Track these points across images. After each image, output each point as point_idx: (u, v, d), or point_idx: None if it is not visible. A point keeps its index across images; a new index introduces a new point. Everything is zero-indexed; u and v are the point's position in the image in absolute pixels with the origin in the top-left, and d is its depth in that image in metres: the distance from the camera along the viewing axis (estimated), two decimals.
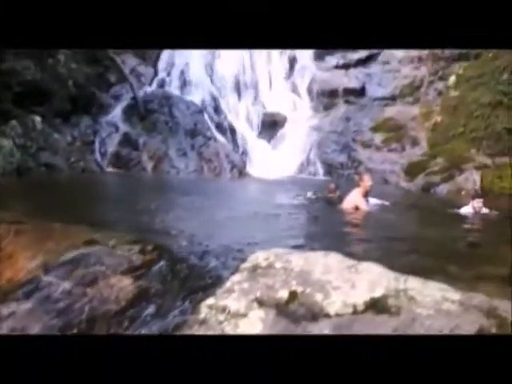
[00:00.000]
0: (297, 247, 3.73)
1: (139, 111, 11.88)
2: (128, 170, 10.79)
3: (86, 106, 11.41)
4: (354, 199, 6.15)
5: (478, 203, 6.49)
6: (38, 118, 8.92)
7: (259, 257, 2.16)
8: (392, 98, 13.29)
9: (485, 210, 6.48)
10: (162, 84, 13.67)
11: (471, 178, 9.58)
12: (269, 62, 14.69)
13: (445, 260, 3.15)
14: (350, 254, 2.20)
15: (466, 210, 6.58)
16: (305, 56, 14.80)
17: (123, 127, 11.62)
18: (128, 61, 13.31)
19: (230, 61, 14.16)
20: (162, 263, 2.53)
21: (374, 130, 12.75)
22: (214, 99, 13.54)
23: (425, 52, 12.92)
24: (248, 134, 13.43)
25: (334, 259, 2.02)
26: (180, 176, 10.88)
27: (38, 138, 8.66)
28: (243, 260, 2.23)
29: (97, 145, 11.05)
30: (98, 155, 10.82)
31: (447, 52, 12.53)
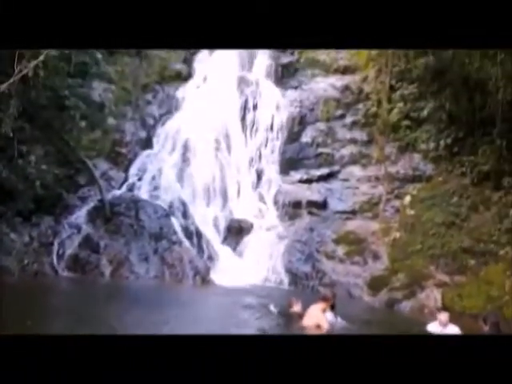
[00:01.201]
0: None
1: (105, 213, 11.76)
2: (84, 275, 10.25)
3: (50, 207, 11.20)
4: (314, 316, 6.12)
5: (444, 316, 6.57)
6: None
7: None
8: (352, 213, 13.91)
9: (451, 326, 6.53)
10: (131, 188, 13.83)
11: (432, 296, 9.70)
12: (238, 173, 15.38)
13: None
14: None
15: (434, 327, 6.62)
16: (271, 170, 15.70)
17: (86, 228, 11.33)
18: (100, 165, 13.59)
19: (201, 169, 14.75)
20: None
21: (337, 242, 13.06)
22: (183, 204, 13.72)
23: (381, 172, 13.98)
24: (214, 239, 13.41)
25: None
26: (139, 282, 10.43)
27: None
28: None
29: (55, 246, 10.61)
30: (54, 258, 10.30)
31: (401, 173, 13.61)
